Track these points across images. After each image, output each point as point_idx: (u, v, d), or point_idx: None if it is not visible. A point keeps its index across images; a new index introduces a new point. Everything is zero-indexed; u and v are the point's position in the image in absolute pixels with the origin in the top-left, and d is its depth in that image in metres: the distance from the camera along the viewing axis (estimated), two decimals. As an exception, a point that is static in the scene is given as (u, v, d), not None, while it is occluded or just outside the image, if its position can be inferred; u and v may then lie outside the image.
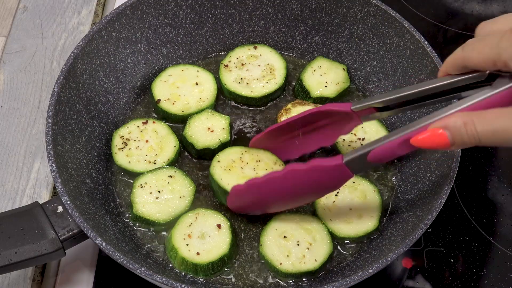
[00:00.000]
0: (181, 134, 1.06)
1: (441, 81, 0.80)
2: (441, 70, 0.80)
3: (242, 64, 1.14)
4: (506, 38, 0.68)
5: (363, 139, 1.06)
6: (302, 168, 0.86)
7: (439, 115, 0.74)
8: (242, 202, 0.95)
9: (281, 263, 0.92)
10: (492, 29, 0.75)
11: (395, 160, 1.06)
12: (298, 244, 0.94)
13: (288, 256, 0.93)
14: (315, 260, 0.92)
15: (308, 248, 0.94)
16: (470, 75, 0.77)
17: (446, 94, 0.81)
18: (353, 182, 1.00)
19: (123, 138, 1.05)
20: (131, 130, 1.06)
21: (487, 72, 0.75)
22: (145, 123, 1.07)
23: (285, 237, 0.94)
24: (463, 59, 0.75)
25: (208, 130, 1.05)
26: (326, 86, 1.11)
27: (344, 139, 1.06)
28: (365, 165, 0.83)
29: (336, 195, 0.99)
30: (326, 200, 0.99)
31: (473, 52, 0.73)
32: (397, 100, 0.84)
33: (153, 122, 1.07)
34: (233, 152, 1.00)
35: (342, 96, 1.13)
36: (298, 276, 0.93)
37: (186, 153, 1.07)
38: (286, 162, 1.00)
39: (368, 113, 0.88)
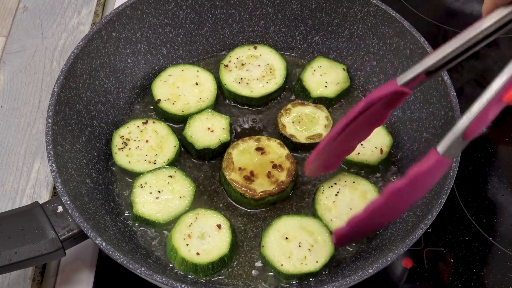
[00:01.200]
0: (181, 134, 1.06)
1: (493, 18, 0.73)
2: (487, 6, 0.73)
3: (242, 64, 1.14)
4: None
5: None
6: (403, 183, 0.77)
7: None
8: (349, 239, 0.90)
9: (282, 264, 0.92)
10: None
11: (395, 160, 1.07)
12: (299, 246, 0.94)
13: (289, 257, 0.93)
14: (316, 261, 0.92)
15: (309, 249, 0.94)
16: None
17: (495, 32, 0.75)
18: (353, 182, 1.00)
19: (123, 138, 1.05)
20: (131, 130, 1.06)
21: None
22: (145, 123, 1.07)
23: (286, 238, 0.94)
24: None
25: (208, 130, 1.05)
26: (326, 86, 1.11)
27: None
28: (462, 144, 0.75)
29: (336, 195, 0.99)
30: (326, 200, 0.99)
31: None
32: (449, 55, 0.78)
33: (153, 122, 1.07)
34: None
35: (342, 96, 1.13)
36: (299, 277, 0.92)
37: (186, 153, 1.07)
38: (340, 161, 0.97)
39: (417, 81, 0.81)
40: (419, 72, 0.80)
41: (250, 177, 1.00)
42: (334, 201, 0.99)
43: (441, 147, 0.75)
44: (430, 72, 0.80)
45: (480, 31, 0.75)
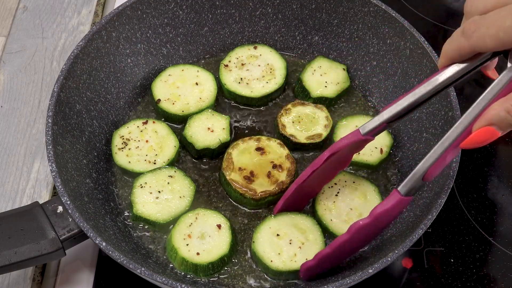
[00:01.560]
0: (181, 134, 1.06)
1: (448, 73, 0.79)
2: (443, 62, 0.79)
3: (242, 64, 1.14)
4: None
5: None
6: (366, 223, 0.85)
7: (475, 112, 0.75)
8: (316, 272, 0.93)
9: (271, 261, 0.92)
10: (485, 5, 0.74)
11: (395, 160, 1.07)
12: (290, 243, 0.94)
13: (279, 254, 0.93)
14: (306, 259, 0.92)
15: (300, 247, 0.94)
16: (477, 59, 0.77)
17: (450, 84, 0.81)
18: (353, 182, 1.00)
19: (123, 138, 1.05)
20: (131, 130, 1.06)
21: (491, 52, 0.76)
22: (145, 123, 1.07)
23: (278, 235, 0.94)
24: (471, 46, 0.74)
25: (208, 130, 1.05)
26: (326, 86, 1.11)
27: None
28: (421, 185, 0.83)
29: (336, 195, 0.99)
30: (327, 201, 0.99)
31: (483, 38, 0.72)
32: (407, 108, 0.84)
33: (153, 122, 1.07)
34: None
35: (342, 96, 1.13)
36: (287, 274, 0.93)
37: (186, 153, 1.07)
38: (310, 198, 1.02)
39: (379, 129, 0.88)
40: (380, 122, 0.87)
41: (250, 177, 1.00)
42: (334, 201, 0.99)
43: (402, 188, 0.83)
44: (390, 122, 0.87)
45: (434, 86, 0.82)
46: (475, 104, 0.75)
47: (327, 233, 0.97)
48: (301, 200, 1.00)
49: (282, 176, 1.01)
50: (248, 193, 0.99)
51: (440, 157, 0.80)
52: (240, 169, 1.01)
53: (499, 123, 0.71)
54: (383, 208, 0.84)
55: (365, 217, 0.85)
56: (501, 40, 0.71)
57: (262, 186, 1.00)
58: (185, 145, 1.06)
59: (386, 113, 0.86)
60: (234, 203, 1.02)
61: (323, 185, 1.00)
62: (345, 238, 0.87)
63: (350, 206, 0.98)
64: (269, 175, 1.01)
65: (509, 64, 0.75)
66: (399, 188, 0.83)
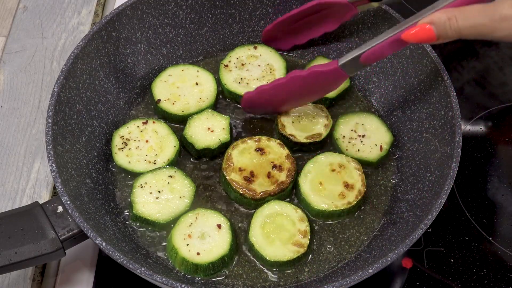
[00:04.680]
0: (181, 134, 1.06)
1: None
2: None
3: (242, 64, 1.14)
4: None
5: (363, 136, 1.06)
6: (302, 74, 0.98)
7: (426, 13, 0.84)
8: (254, 104, 1.07)
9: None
10: None
11: (395, 160, 1.07)
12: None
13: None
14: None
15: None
16: None
17: None
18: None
19: (123, 138, 1.05)
20: (131, 130, 1.06)
21: None
22: (145, 123, 1.07)
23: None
24: None
25: (208, 130, 1.05)
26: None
27: (344, 136, 1.06)
28: (358, 66, 0.94)
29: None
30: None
31: None
32: None
33: (153, 122, 1.07)
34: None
35: (343, 96, 1.13)
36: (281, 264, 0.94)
37: (186, 153, 1.07)
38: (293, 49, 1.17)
39: (362, 3, 1.00)
40: None
41: (250, 178, 1.00)
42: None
43: (341, 60, 0.94)
44: None
45: None
46: (429, 7, 0.84)
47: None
48: (290, 37, 1.15)
49: (282, 176, 1.01)
50: (248, 193, 0.99)
51: (381, 43, 0.90)
52: (240, 169, 1.01)
53: (438, 25, 0.80)
54: (320, 68, 0.97)
55: (303, 70, 0.99)
56: None
57: (262, 186, 1.00)
58: (185, 145, 1.06)
59: None
60: (234, 203, 1.02)
61: (308, 38, 1.14)
62: (283, 81, 1.00)
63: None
64: (269, 175, 1.01)
65: None
66: (339, 59, 0.94)
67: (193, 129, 1.05)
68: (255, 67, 1.13)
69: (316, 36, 1.14)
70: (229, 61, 1.14)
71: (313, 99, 1.06)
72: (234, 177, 1.00)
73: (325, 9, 1.07)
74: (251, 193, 0.99)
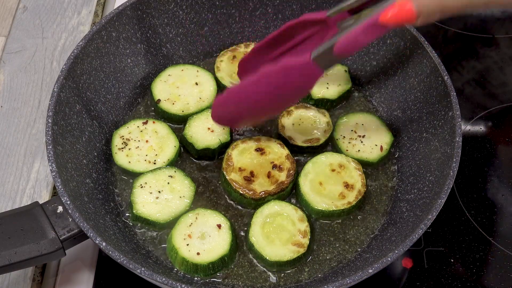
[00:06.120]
0: (181, 134, 1.06)
1: None
2: None
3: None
4: None
5: (364, 136, 1.06)
6: (273, 68, 0.88)
7: None
8: (226, 111, 0.97)
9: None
10: None
11: (395, 160, 1.07)
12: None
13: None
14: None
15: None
16: None
17: None
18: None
19: (123, 138, 1.05)
20: (131, 130, 1.06)
21: None
22: (145, 123, 1.07)
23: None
24: None
25: (208, 130, 1.05)
26: (327, 88, 1.11)
27: (344, 136, 1.06)
28: (332, 59, 0.84)
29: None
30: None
31: None
32: None
33: (153, 122, 1.07)
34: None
35: (343, 98, 1.13)
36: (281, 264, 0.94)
37: (186, 153, 1.07)
38: None
39: (342, 18, 0.89)
40: (343, 6, 0.87)
41: (250, 178, 1.00)
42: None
43: (314, 53, 0.84)
44: (353, 11, 0.87)
45: None
46: None
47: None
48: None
49: (282, 176, 1.01)
50: (248, 193, 0.99)
51: (354, 30, 0.80)
52: (240, 169, 1.01)
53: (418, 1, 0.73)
54: (290, 62, 0.86)
55: (273, 64, 0.88)
56: None
57: (262, 186, 1.00)
58: (185, 145, 1.06)
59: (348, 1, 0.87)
60: (234, 203, 1.02)
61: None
62: (253, 78, 0.89)
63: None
64: (269, 175, 1.01)
65: None
66: (312, 52, 0.84)
67: (193, 129, 1.05)
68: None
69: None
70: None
71: (288, 103, 0.97)
72: (234, 177, 1.00)
73: (302, 32, 0.96)
74: (251, 193, 0.99)
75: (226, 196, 1.02)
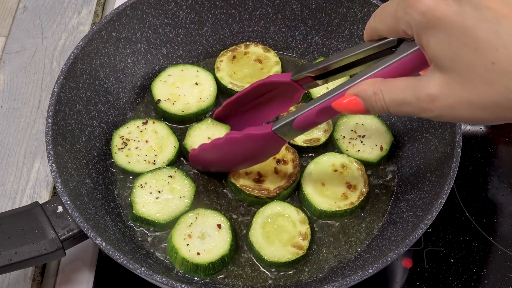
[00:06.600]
0: (181, 144, 1.05)
1: (363, 47, 0.81)
2: (364, 37, 0.80)
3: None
4: (400, 7, 0.67)
5: (364, 136, 1.06)
6: (237, 136, 0.93)
7: (354, 81, 0.75)
8: (200, 162, 1.03)
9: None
10: None
11: (395, 160, 1.07)
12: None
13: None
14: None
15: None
16: (383, 41, 0.77)
17: (372, 58, 0.82)
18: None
19: (122, 138, 1.05)
20: (131, 130, 1.06)
21: (396, 38, 0.75)
22: (145, 123, 1.07)
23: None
24: (373, 28, 0.76)
25: (209, 140, 1.05)
26: (327, 88, 1.11)
27: (344, 136, 1.06)
28: (292, 132, 0.88)
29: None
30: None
31: (379, 22, 0.73)
32: (327, 68, 0.87)
33: (153, 122, 1.07)
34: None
35: (342, 96, 1.13)
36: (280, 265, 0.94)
37: (186, 153, 1.06)
38: None
39: (307, 81, 0.92)
40: (305, 72, 0.90)
41: (259, 179, 1.00)
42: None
43: (275, 124, 0.88)
44: (315, 77, 0.90)
45: (354, 53, 0.82)
46: (360, 73, 0.75)
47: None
48: (246, 120, 1.06)
49: (289, 168, 1.01)
50: (263, 194, 0.99)
51: (311, 110, 0.83)
52: (246, 173, 1.01)
53: (365, 98, 0.72)
54: (254, 131, 0.91)
55: (239, 132, 0.94)
56: (387, 25, 0.71)
57: (274, 184, 1.00)
58: (185, 155, 1.05)
59: (310, 66, 0.89)
60: (234, 203, 1.02)
61: (262, 121, 1.05)
62: (220, 141, 0.96)
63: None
64: (276, 171, 1.01)
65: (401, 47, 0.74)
66: (274, 124, 0.89)
67: (193, 139, 1.05)
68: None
69: (269, 119, 1.04)
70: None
71: (260, 161, 0.98)
72: (244, 182, 1.00)
73: (272, 90, 0.99)
74: (265, 192, 0.99)
75: (226, 196, 1.02)
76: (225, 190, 1.03)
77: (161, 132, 1.06)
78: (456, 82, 0.63)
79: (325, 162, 1.02)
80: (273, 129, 0.88)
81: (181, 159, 1.06)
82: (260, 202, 0.99)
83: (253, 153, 0.95)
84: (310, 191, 0.99)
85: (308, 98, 1.11)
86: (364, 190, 1.00)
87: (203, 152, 1.00)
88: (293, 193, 1.02)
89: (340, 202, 0.99)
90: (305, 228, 0.96)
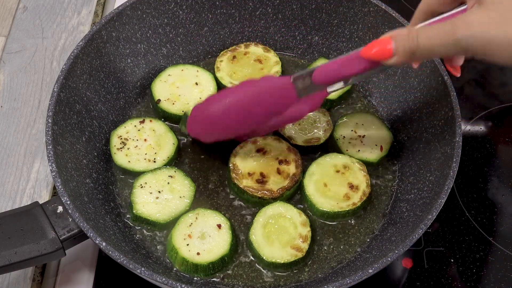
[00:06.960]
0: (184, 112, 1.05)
1: None
2: (412, 22, 0.84)
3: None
4: None
5: (364, 136, 1.06)
6: (255, 82, 0.92)
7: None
8: (202, 121, 0.97)
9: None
10: None
11: (395, 161, 1.07)
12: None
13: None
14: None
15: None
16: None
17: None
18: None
19: (121, 138, 1.05)
20: (129, 129, 1.06)
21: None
22: (142, 122, 1.07)
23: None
24: (429, 5, 0.82)
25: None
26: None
27: (344, 136, 1.06)
28: (310, 86, 0.88)
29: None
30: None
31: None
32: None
33: (150, 121, 1.07)
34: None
35: (343, 98, 1.13)
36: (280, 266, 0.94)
37: (185, 153, 1.07)
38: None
39: (307, 86, 0.91)
40: (306, 73, 0.89)
41: (262, 179, 1.00)
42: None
43: (294, 75, 0.89)
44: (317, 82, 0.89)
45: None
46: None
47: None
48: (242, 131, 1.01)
49: (292, 169, 1.01)
50: (266, 195, 0.99)
51: (334, 61, 0.85)
52: (249, 174, 1.01)
53: (397, 38, 0.76)
54: (271, 79, 0.92)
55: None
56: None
57: (276, 184, 1.00)
58: (184, 125, 1.04)
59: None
60: (234, 203, 1.02)
61: (263, 134, 1.03)
62: (233, 89, 0.93)
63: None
64: (278, 171, 1.01)
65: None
66: (292, 75, 0.89)
67: None
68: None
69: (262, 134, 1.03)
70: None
71: (258, 121, 0.95)
72: (247, 183, 1.00)
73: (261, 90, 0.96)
74: (268, 193, 0.99)
75: (226, 196, 1.02)
76: (225, 190, 1.03)
77: (159, 130, 1.06)
78: (494, 19, 0.71)
79: (327, 163, 1.02)
80: (291, 79, 0.89)
81: (181, 158, 1.06)
82: (264, 203, 0.99)
83: (264, 110, 0.93)
84: (312, 192, 0.99)
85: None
86: (366, 190, 1.00)
87: (210, 103, 0.95)
88: (296, 194, 1.02)
89: (343, 202, 0.99)
90: (306, 231, 0.96)
